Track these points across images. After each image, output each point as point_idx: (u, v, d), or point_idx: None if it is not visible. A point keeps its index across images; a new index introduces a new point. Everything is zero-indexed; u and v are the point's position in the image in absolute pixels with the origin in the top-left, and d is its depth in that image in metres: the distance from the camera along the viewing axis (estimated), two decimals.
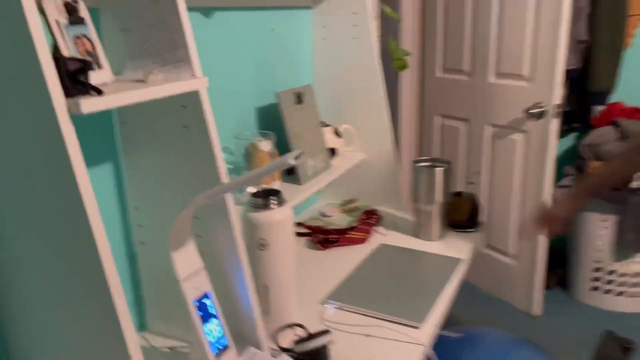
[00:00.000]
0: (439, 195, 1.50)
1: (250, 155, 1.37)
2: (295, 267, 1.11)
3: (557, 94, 2.20)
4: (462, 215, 1.59)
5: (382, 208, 1.81)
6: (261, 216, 1.02)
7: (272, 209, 1.03)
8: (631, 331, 2.38)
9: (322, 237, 1.54)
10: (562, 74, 2.17)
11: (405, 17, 2.86)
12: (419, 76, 2.96)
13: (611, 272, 2.54)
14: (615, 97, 2.62)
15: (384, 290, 1.29)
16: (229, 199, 0.95)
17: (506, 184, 2.49)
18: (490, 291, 2.76)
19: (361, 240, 1.54)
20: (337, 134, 1.69)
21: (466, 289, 2.76)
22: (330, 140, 1.66)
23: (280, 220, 1.03)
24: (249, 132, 1.38)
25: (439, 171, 1.47)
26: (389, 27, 2.27)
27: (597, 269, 2.56)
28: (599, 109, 2.64)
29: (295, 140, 1.48)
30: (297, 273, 1.42)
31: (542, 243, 2.41)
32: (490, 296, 2.72)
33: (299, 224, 1.64)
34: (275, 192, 1.06)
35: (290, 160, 0.76)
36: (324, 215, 1.75)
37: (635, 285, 2.52)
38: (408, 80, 3.04)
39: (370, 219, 1.65)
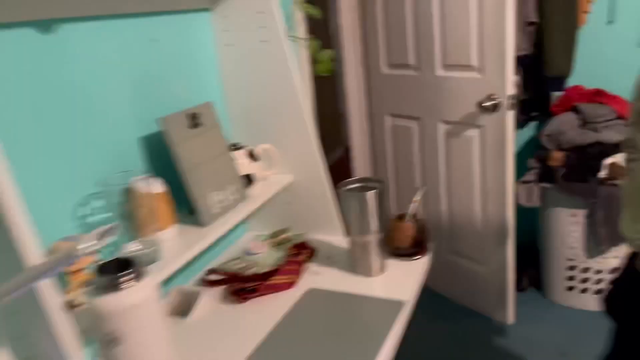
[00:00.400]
0: (373, 223, 1.25)
1: (131, 203, 1.09)
2: None
3: (509, 84, 1.97)
4: (405, 241, 1.34)
5: (318, 236, 1.55)
6: (107, 302, 0.75)
7: (124, 288, 0.76)
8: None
9: (238, 286, 1.27)
10: (513, 61, 1.95)
11: (344, 13, 2.61)
12: (364, 74, 2.72)
13: (586, 270, 2.34)
14: (573, 81, 2.42)
15: (311, 353, 1.03)
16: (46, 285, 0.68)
17: (465, 184, 2.27)
18: (459, 300, 2.54)
19: (287, 286, 1.28)
20: (253, 156, 1.42)
21: (434, 300, 2.54)
22: (244, 166, 1.39)
23: (135, 303, 0.76)
24: (129, 170, 1.10)
25: (370, 195, 1.22)
26: (318, 27, 2.02)
27: (571, 267, 2.37)
28: (557, 95, 2.44)
29: (192, 175, 1.21)
30: (208, 336, 1.15)
31: (510, 244, 2.19)
32: (460, 306, 2.50)
33: (211, 271, 1.37)
34: (128, 264, 0.78)
35: (83, 250, 0.49)
36: (249, 253, 1.49)
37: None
38: (353, 80, 2.79)
39: (300, 254, 1.39)
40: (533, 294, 2.54)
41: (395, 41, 2.39)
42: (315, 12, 1.54)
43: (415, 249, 1.35)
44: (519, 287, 2.48)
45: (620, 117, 2.25)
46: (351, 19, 2.61)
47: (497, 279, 2.29)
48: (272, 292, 1.27)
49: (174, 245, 1.16)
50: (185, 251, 1.13)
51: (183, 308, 1.26)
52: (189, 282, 1.39)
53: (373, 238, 1.27)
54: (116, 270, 0.77)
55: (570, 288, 2.40)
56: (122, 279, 0.77)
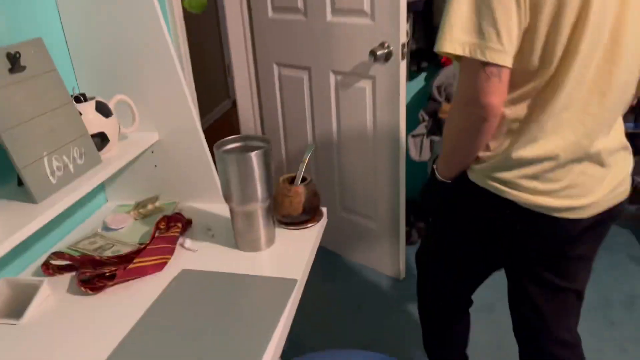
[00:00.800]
0: (259, 190, 1.05)
1: None
2: None
3: (403, 32, 1.84)
4: (296, 208, 1.17)
5: (195, 205, 1.33)
6: None
7: None
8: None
9: (90, 273, 1.01)
10: (405, 8, 1.81)
11: None
12: (249, 19, 2.44)
13: None
14: None
15: (183, 350, 0.83)
16: None
17: (357, 138, 2.15)
18: (352, 258, 2.47)
19: (155, 269, 1.05)
20: (104, 110, 1.14)
21: (328, 259, 2.45)
22: (94, 122, 1.10)
23: None
24: None
25: (253, 157, 1.02)
26: None
27: None
28: None
29: (12, 135, 0.91)
30: (50, 340, 0.90)
31: (402, 199, 2.13)
32: (354, 263, 2.44)
33: (56, 255, 1.09)
34: None
35: None
36: (107, 228, 1.22)
37: None
38: (236, 25, 2.51)
39: (170, 228, 1.16)
40: None
41: None
42: None
43: (306, 216, 1.19)
44: (409, 241, 2.47)
45: None
46: None
47: (388, 234, 2.25)
48: (135, 277, 1.03)
49: None
50: (7, 236, 0.85)
51: (15, 306, 0.98)
52: (25, 272, 1.10)
53: (259, 207, 1.08)
54: None
55: None
56: None
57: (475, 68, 0.87)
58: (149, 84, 1.21)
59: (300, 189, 1.17)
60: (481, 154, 1.02)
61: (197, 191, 1.32)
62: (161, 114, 1.24)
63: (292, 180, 1.21)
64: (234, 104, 4.77)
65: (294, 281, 1.00)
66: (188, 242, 1.15)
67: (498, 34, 0.84)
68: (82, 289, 0.99)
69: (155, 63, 1.18)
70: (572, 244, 1.08)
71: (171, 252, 1.10)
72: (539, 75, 0.90)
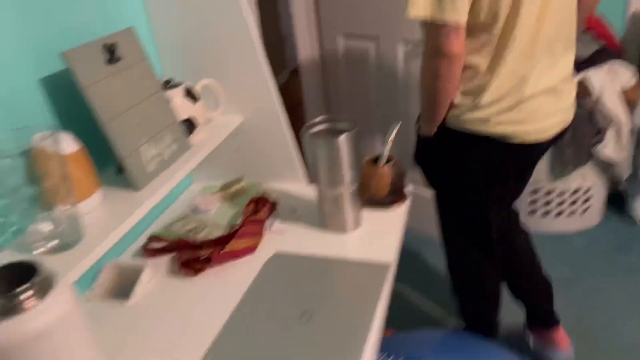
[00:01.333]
0: (347, 174, 1.04)
1: (35, 166, 0.82)
2: None
3: None
4: (382, 189, 1.15)
5: (278, 185, 1.34)
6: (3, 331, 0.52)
7: (26, 309, 0.53)
8: (575, 252, 2.18)
9: (187, 257, 1.05)
10: None
11: None
12: None
13: (549, 193, 2.28)
14: None
15: (288, 335, 0.85)
16: None
17: None
18: (423, 231, 2.44)
19: (247, 251, 1.08)
20: (192, 96, 1.15)
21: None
22: (182, 108, 1.12)
23: (42, 329, 0.53)
24: (27, 126, 0.82)
25: (342, 141, 1.01)
26: None
27: (535, 191, 2.30)
28: None
29: (114, 125, 0.94)
30: (157, 322, 0.95)
31: None
32: (426, 236, 2.41)
33: (154, 238, 1.13)
34: (30, 270, 0.54)
35: None
36: (197, 211, 1.26)
37: (573, 203, 2.29)
38: None
39: (259, 212, 1.18)
40: None
41: None
42: None
43: (392, 197, 1.17)
44: None
45: (588, 30, 2.10)
46: None
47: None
48: (230, 260, 1.06)
49: (99, 218, 0.91)
50: (116, 225, 0.89)
51: (122, 288, 1.04)
52: (125, 254, 1.16)
53: (346, 190, 1.07)
54: (10, 284, 0.53)
55: (532, 212, 2.35)
56: (19, 297, 0.53)
57: (436, 27, 1.07)
58: (232, 68, 1.21)
59: (385, 170, 1.15)
60: (456, 101, 1.20)
61: (279, 172, 1.33)
62: (243, 97, 1.25)
63: (376, 160, 1.19)
64: (292, 74, 4.75)
65: (388, 266, 0.99)
66: (276, 224, 1.16)
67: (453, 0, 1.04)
68: (184, 271, 1.03)
69: (237, 48, 1.18)
70: (537, 160, 1.40)
71: (261, 234, 1.12)
72: (491, 29, 1.12)
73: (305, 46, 2.57)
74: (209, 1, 1.14)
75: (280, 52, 5.00)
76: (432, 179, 1.43)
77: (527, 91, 1.17)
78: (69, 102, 0.98)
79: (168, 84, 1.14)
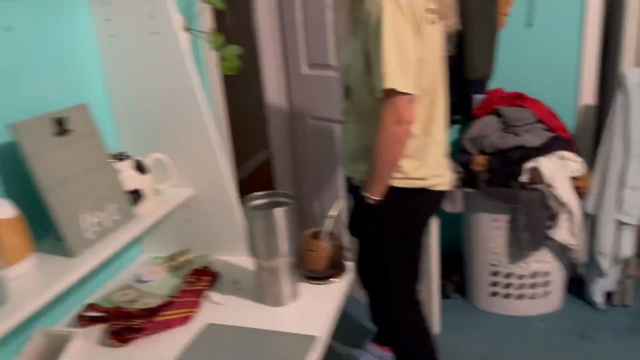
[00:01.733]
0: (283, 246, 1.08)
1: None
2: None
3: None
4: (320, 263, 1.19)
5: (225, 258, 1.37)
6: None
7: None
8: (537, 335, 2.17)
9: (119, 326, 1.05)
10: None
11: (260, 7, 2.43)
12: (284, 75, 2.55)
13: (508, 275, 2.31)
14: (494, 84, 2.38)
15: None
16: None
17: None
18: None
19: (181, 322, 1.08)
20: (141, 168, 1.21)
21: (358, 311, 2.42)
22: (131, 180, 1.18)
23: None
24: None
25: (279, 213, 1.05)
26: (222, 24, 1.82)
27: (494, 273, 2.33)
28: (479, 98, 2.39)
29: (55, 193, 0.98)
30: None
31: (435, 252, 2.11)
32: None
33: (91, 307, 1.14)
34: None
35: None
36: (140, 280, 1.27)
37: (533, 286, 2.31)
38: (273, 80, 2.62)
39: (198, 282, 1.20)
40: (458, 302, 2.49)
41: (314, 41, 2.25)
42: (216, 1, 1.35)
43: (331, 271, 1.20)
44: (444, 295, 2.42)
45: (540, 121, 2.24)
46: (269, 16, 2.44)
47: (423, 287, 2.21)
48: (162, 330, 1.07)
49: (29, 282, 0.92)
50: (45, 289, 0.91)
51: (51, 356, 1.03)
52: (61, 322, 1.16)
53: (283, 263, 1.10)
54: None
55: (494, 294, 2.36)
56: None
57: (401, 97, 1.24)
58: (183, 142, 1.28)
59: (324, 244, 1.19)
60: (402, 164, 1.35)
61: (227, 244, 1.36)
62: (194, 171, 1.31)
63: (316, 235, 1.23)
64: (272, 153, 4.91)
65: (315, 338, 1.00)
66: (215, 296, 1.18)
67: (411, 74, 1.24)
68: (112, 341, 1.03)
69: (189, 122, 1.26)
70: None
71: (197, 305, 1.13)
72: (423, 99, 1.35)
73: (276, 127, 2.70)
74: (165, 82, 1.23)
75: (263, 131, 5.18)
76: (370, 241, 1.48)
77: (444, 149, 1.44)
78: (12, 171, 1.02)
79: (119, 156, 1.20)
